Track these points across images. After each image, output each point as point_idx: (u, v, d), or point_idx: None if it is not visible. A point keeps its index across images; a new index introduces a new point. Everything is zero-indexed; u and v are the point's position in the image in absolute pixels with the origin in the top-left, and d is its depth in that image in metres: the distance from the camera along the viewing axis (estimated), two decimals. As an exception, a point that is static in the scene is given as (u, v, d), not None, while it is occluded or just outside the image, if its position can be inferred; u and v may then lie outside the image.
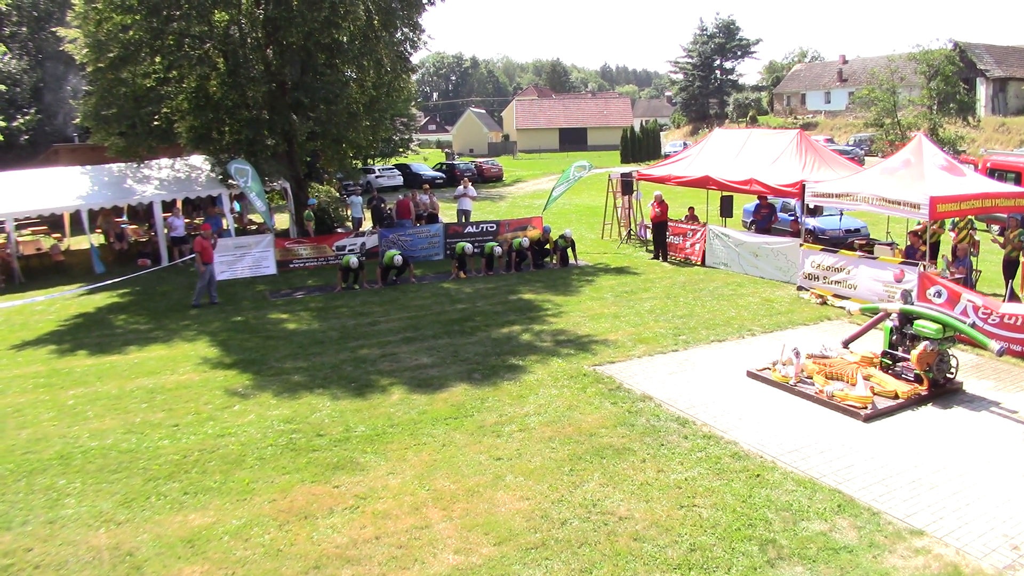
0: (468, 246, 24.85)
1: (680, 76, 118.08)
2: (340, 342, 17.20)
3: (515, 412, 12.93)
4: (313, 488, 10.35)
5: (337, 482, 10.52)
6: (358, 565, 8.56)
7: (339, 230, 30.51)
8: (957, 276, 18.10)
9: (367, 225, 31.90)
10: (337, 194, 36.23)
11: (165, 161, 29.53)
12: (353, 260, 22.57)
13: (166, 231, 27.25)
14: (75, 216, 27.97)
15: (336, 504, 9.91)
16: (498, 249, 25.10)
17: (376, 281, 23.31)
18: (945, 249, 21.43)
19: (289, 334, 17.99)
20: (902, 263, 19.13)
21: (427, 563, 8.57)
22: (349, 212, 33.33)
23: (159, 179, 28.41)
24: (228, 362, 15.99)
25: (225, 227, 28.16)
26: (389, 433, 12.13)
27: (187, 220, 28.29)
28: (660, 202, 26.10)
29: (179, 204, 29.92)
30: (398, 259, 23.27)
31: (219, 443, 11.91)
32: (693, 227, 25.94)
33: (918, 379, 13.80)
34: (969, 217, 19.76)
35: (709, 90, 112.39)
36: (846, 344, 15.71)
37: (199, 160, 29.44)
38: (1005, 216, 20.91)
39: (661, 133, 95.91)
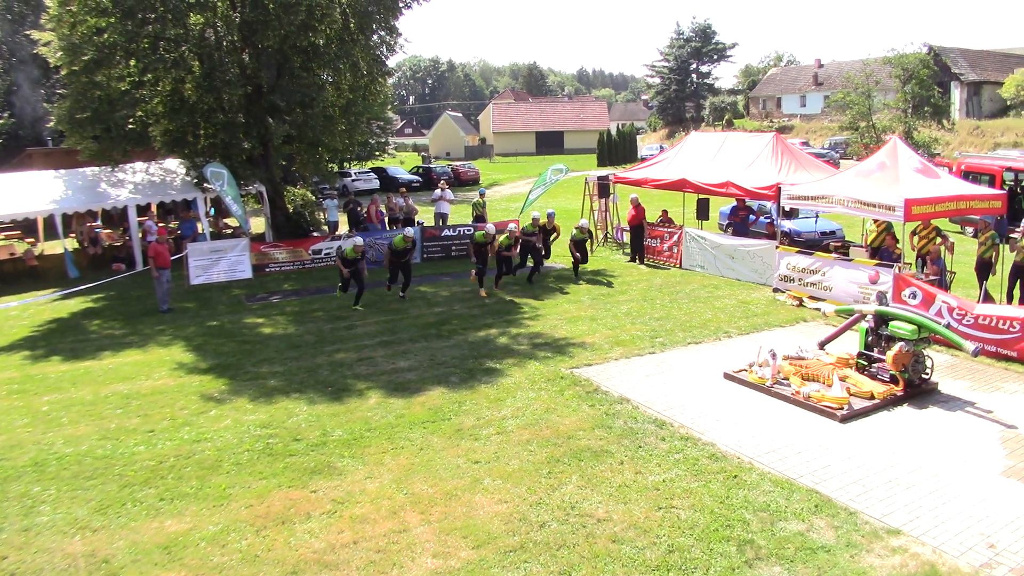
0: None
1: (656, 80, 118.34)
2: (316, 346, 17.15)
3: (492, 415, 12.94)
4: (290, 493, 10.31)
5: (314, 487, 10.48)
6: (336, 570, 8.54)
7: (315, 234, 30.38)
8: (932, 278, 18.23)
9: (343, 229, 31.78)
10: (313, 198, 36.08)
11: (140, 165, 29.33)
12: (359, 240, 21.15)
13: (141, 235, 27.07)
14: (49, 220, 27.73)
15: (313, 509, 9.87)
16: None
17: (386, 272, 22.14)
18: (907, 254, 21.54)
19: (265, 338, 17.91)
20: (877, 265, 19.25)
21: (406, 567, 8.56)
22: (325, 216, 33.22)
23: (134, 183, 28.21)
24: (204, 367, 15.91)
25: (200, 231, 28.00)
26: (366, 437, 12.10)
27: (160, 224, 28.07)
28: (636, 205, 26.17)
29: (154, 208, 29.72)
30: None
31: (195, 448, 11.85)
32: (670, 230, 26.01)
33: (894, 380, 13.90)
34: (934, 225, 19.90)
35: (685, 94, 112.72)
36: (822, 345, 15.81)
37: (174, 164, 29.27)
38: (978, 218, 21.09)
39: (638, 136, 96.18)
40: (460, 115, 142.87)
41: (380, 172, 59.44)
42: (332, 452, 11.59)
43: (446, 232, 28.23)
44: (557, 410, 13.14)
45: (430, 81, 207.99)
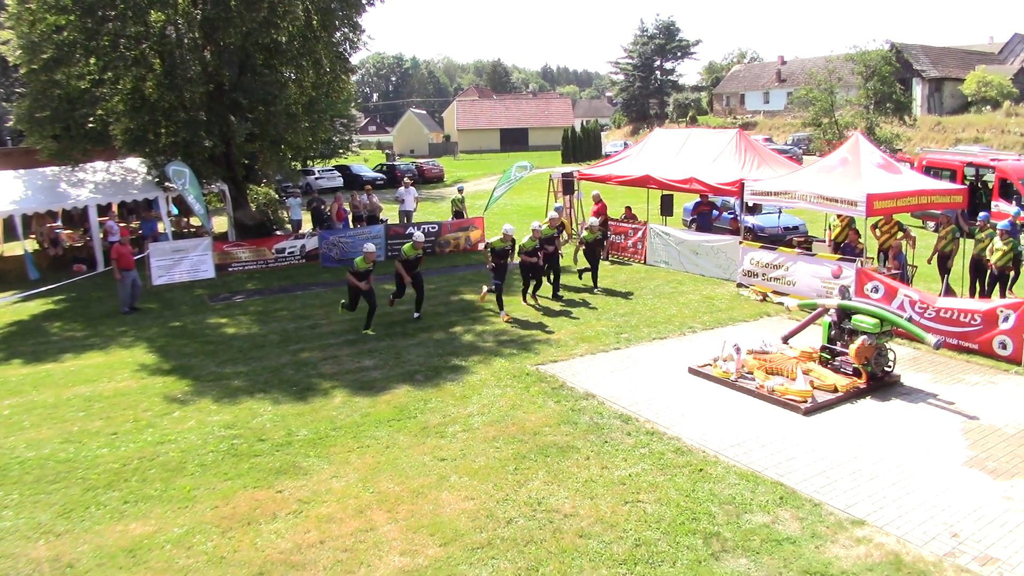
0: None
1: (621, 77, 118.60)
2: (281, 345, 17.06)
3: (458, 412, 12.94)
4: (256, 494, 10.26)
5: (280, 487, 10.44)
6: (303, 570, 8.51)
7: (278, 232, 30.23)
8: (894, 272, 18.42)
9: (307, 227, 31.62)
10: (276, 196, 35.89)
11: (100, 164, 28.98)
12: (370, 247, 18.35)
13: (102, 236, 26.79)
14: (8, 221, 27.33)
15: (279, 509, 9.83)
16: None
17: (398, 282, 19.32)
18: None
19: (229, 338, 17.80)
20: (840, 259, 19.42)
21: (373, 566, 8.54)
22: (288, 214, 33.04)
23: (94, 182, 27.88)
24: (167, 368, 15.78)
25: (162, 230, 27.76)
26: (332, 436, 12.06)
27: (121, 224, 27.78)
28: (598, 201, 26.24)
29: (115, 208, 29.41)
30: (419, 237, 19.73)
31: (159, 450, 11.75)
32: (634, 226, 26.10)
33: (857, 373, 14.05)
34: (896, 219, 20.10)
35: (649, 90, 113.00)
36: (786, 340, 15.95)
37: (135, 163, 28.95)
38: (940, 213, 21.34)
39: (602, 133, 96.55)
40: (424, 112, 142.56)
41: (344, 170, 59.19)
42: (297, 452, 11.54)
43: (411, 230, 28.11)
44: (523, 407, 13.17)
45: (394, 78, 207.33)
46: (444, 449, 11.53)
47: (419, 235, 20.29)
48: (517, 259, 20.72)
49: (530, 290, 20.46)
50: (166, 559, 8.81)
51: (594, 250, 22.20)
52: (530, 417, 12.70)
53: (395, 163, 68.78)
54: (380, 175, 59.96)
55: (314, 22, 26.98)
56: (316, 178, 54.41)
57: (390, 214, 34.55)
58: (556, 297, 21.00)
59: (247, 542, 9.09)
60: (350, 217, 30.14)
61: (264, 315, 19.79)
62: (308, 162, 49.75)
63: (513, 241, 19.68)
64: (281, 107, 26.84)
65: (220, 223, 32.70)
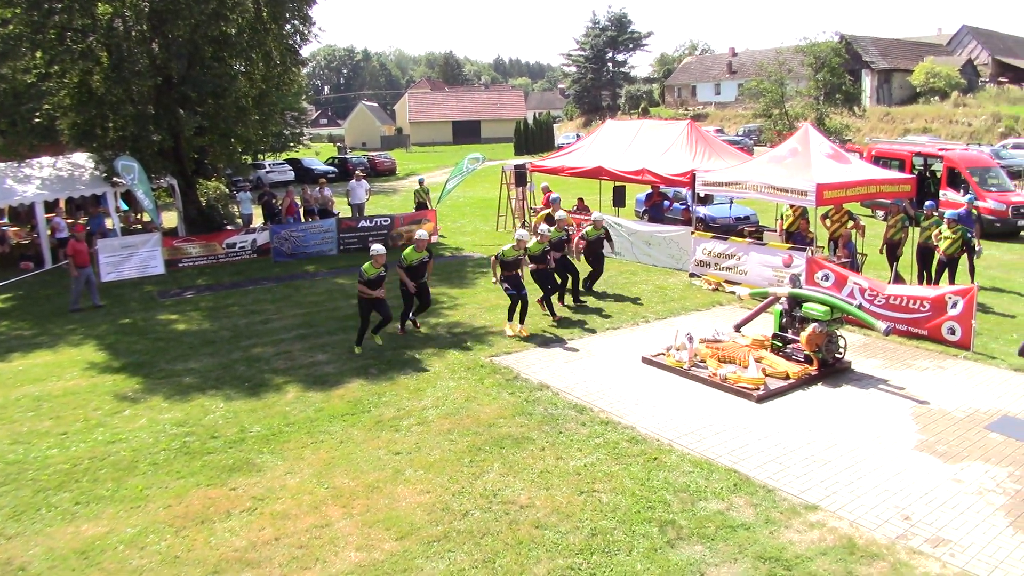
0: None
1: (573, 69, 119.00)
2: (232, 341, 16.90)
3: (413, 406, 12.92)
4: (209, 492, 10.17)
5: (233, 484, 10.35)
6: (258, 568, 8.45)
7: (229, 227, 29.94)
8: (844, 260, 18.63)
9: (258, 222, 31.36)
10: (227, 191, 35.55)
11: (47, 160, 28.45)
12: (379, 248, 16.23)
13: (49, 232, 26.36)
14: (-48, 219, 26.89)
15: (233, 507, 9.75)
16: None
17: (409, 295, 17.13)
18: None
19: (179, 335, 17.59)
20: (790, 248, 19.61)
21: (329, 562, 8.50)
22: (239, 209, 32.74)
23: (41, 178, 27.38)
24: (117, 366, 15.56)
25: (110, 227, 27.39)
26: (285, 432, 11.98)
27: (68, 220, 27.37)
28: (547, 191, 26.33)
29: (62, 204, 28.97)
30: (422, 234, 17.47)
31: (110, 450, 11.59)
32: (587, 217, 26.13)
33: (808, 360, 14.21)
34: (846, 208, 20.32)
35: (601, 82, 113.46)
36: (738, 328, 16.10)
37: (83, 158, 28.49)
38: (889, 202, 21.61)
39: (554, 125, 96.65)
40: (376, 105, 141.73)
41: (295, 163, 58.74)
42: (251, 448, 11.45)
43: (363, 223, 28.00)
44: (477, 399, 13.18)
45: (345, 71, 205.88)
46: (399, 443, 11.50)
47: (522, 233, 17.45)
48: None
49: (555, 297, 18.50)
50: (119, 560, 8.70)
51: (595, 249, 20.13)
52: (485, 409, 12.70)
53: (347, 156, 68.41)
54: (332, 168, 59.54)
55: (264, 14, 26.75)
56: (267, 172, 53.85)
57: (341, 208, 34.32)
58: (578, 302, 19.26)
59: (201, 541, 9.01)
60: (301, 211, 29.89)
61: (215, 311, 19.59)
62: (259, 156, 49.43)
63: (526, 249, 17.54)
64: (231, 100, 26.57)
65: (169, 218, 32.32)
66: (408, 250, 16.75)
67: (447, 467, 10.67)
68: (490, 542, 8.80)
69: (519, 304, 16.79)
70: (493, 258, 17.09)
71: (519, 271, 17.12)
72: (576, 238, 20.23)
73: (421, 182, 32.81)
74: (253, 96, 28.35)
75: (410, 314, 17.33)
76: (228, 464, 10.97)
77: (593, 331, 17.02)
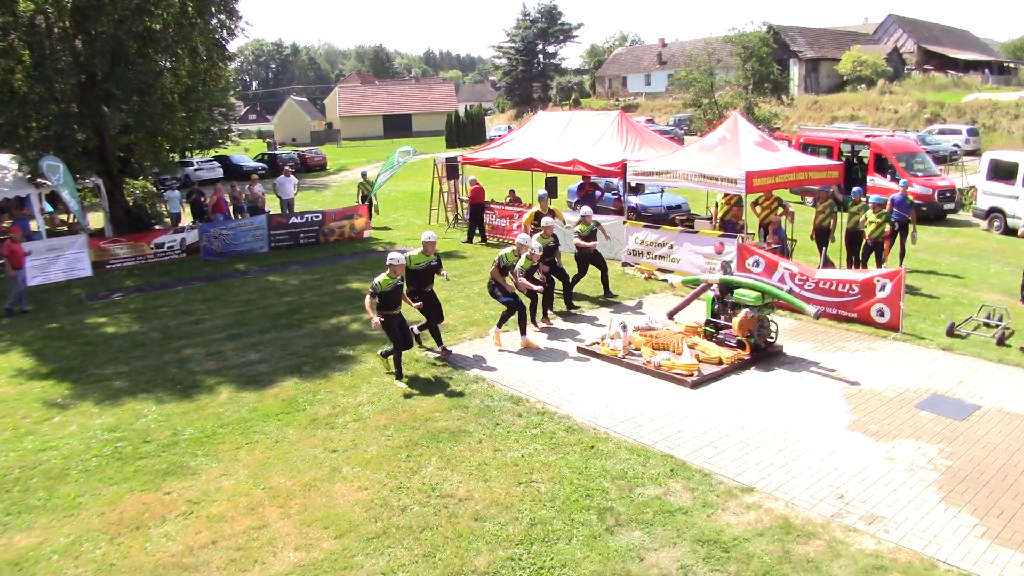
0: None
1: (504, 61, 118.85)
2: (163, 343, 16.61)
3: (348, 403, 12.85)
4: (143, 497, 10.00)
5: (168, 489, 10.19)
6: (196, 572, 8.34)
7: (157, 227, 29.46)
8: (774, 246, 18.89)
9: (186, 220, 30.90)
10: (154, 189, 34.95)
11: (-33, 162, 27.84)
12: (397, 257, 13.91)
13: (-27, 236, 25.72)
14: None
15: (168, 511, 9.60)
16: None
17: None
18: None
19: (108, 338, 17.26)
20: (721, 236, 19.83)
21: (267, 563, 8.42)
22: (167, 208, 32.23)
23: (-39, 182, 26.76)
24: (45, 372, 15.21)
25: (35, 229, 26.80)
26: (219, 434, 11.83)
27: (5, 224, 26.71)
28: (473, 183, 26.38)
29: (-17, 207, 28.26)
30: (430, 235, 15.00)
31: (40, 458, 11.33)
32: (519, 209, 26.20)
33: (740, 345, 14.40)
34: (775, 195, 20.60)
35: (532, 74, 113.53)
36: (671, 315, 16.26)
37: (5, 159, 27.84)
38: (817, 188, 21.96)
39: (486, 117, 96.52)
40: (305, 100, 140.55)
41: (224, 160, 57.92)
42: (184, 452, 11.29)
43: (294, 219, 27.74)
44: (413, 393, 13.15)
45: (274, 65, 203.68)
46: (335, 440, 11.43)
47: (430, 234, 15.03)
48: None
49: (539, 311, 16.97)
50: (54, 570, 8.53)
51: (585, 249, 18.63)
52: (421, 403, 12.68)
53: (277, 152, 67.71)
54: (262, 165, 58.83)
55: (189, 8, 26.33)
56: (195, 169, 52.99)
57: (271, 204, 33.96)
58: (571, 307, 18.18)
59: (137, 547, 8.86)
60: (231, 209, 29.53)
61: (144, 312, 19.25)
62: (186, 153, 48.57)
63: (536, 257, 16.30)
64: (156, 97, 26.10)
65: (96, 219, 31.70)
66: (416, 252, 14.71)
67: (384, 463, 10.62)
68: (430, 536, 8.79)
69: (517, 310, 15.49)
70: (494, 267, 15.42)
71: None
72: (575, 240, 18.67)
73: (364, 175, 32.68)
74: (179, 92, 27.90)
75: (417, 328, 15.43)
76: (162, 468, 10.80)
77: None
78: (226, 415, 12.53)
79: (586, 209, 19.08)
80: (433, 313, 15.00)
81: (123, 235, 26.27)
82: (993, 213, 28.64)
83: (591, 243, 18.23)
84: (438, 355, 14.92)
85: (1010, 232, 26.69)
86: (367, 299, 13.51)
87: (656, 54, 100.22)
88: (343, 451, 11.06)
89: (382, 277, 13.59)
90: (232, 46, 32.06)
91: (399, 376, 13.73)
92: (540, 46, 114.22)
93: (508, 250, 15.60)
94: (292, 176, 32.75)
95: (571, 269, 18.80)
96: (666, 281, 19.78)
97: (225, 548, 8.74)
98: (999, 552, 8.37)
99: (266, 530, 9.07)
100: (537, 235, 17.14)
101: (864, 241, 19.53)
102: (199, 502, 9.80)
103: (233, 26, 29.19)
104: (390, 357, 14.19)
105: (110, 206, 28.37)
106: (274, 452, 11.14)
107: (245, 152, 68.89)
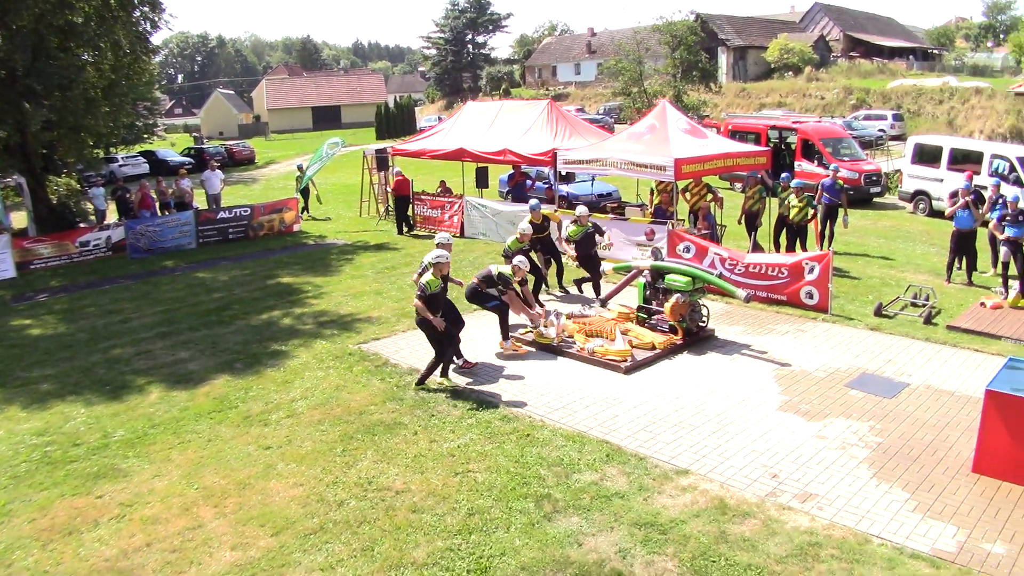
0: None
1: (433, 51, 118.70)
2: (90, 344, 16.29)
3: (281, 398, 12.73)
4: (75, 501, 9.81)
5: (100, 492, 10.01)
6: None
7: (82, 225, 28.89)
8: (704, 232, 19.11)
9: (112, 218, 30.34)
10: (78, 187, 34.27)
11: None
12: (442, 253, 13.29)
13: None
14: None
15: (101, 515, 9.43)
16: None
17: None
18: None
19: (34, 340, 16.89)
20: (652, 222, 20.01)
21: (204, 564, 8.32)
22: (92, 205, 31.60)
23: None
24: (-32, 376, 14.87)
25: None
26: (150, 434, 11.64)
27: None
28: (397, 174, 26.33)
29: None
30: (443, 247, 14.01)
31: (-35, 464, 11.09)
32: (450, 199, 26.18)
33: (673, 330, 14.57)
34: (705, 182, 20.82)
35: (462, 64, 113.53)
36: (603, 302, 16.36)
37: (-78, 159, 27.20)
38: (746, 174, 22.26)
39: (416, 108, 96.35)
40: (232, 93, 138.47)
41: (149, 156, 56.94)
42: (115, 454, 11.09)
43: (222, 214, 27.38)
44: (347, 387, 13.08)
45: (199, 58, 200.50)
46: (269, 437, 11.33)
47: (525, 226, 15.21)
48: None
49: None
50: (-19, 578, 8.37)
51: (586, 248, 17.74)
52: (355, 397, 12.61)
53: (204, 146, 66.73)
54: (188, 159, 57.97)
55: (111, 1, 25.84)
56: (120, 165, 52.00)
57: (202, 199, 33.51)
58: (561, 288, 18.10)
59: (70, 553, 8.70)
60: (157, 205, 29.04)
61: (71, 313, 18.86)
62: (111, 149, 47.77)
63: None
64: (79, 92, 25.62)
65: (19, 218, 30.98)
66: (430, 277, 12.88)
67: (319, 458, 10.56)
68: (368, 530, 8.76)
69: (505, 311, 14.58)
70: (478, 280, 14.45)
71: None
72: (561, 241, 18.32)
73: (301, 168, 32.33)
74: (102, 87, 27.41)
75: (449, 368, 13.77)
76: (93, 471, 10.60)
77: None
78: (157, 415, 12.34)
79: (581, 209, 18.10)
80: (455, 326, 13.67)
81: (47, 234, 25.68)
82: (918, 196, 29.38)
83: (573, 253, 17.46)
84: (458, 367, 13.82)
85: (935, 214, 27.31)
86: (419, 303, 12.60)
87: (586, 43, 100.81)
88: (277, 448, 10.97)
89: (429, 277, 12.74)
90: (156, 39, 31.65)
91: (421, 382, 12.99)
92: (470, 36, 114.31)
93: (506, 269, 14.32)
94: (218, 170, 32.30)
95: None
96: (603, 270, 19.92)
97: (160, 550, 8.62)
98: (931, 525, 8.60)
99: (201, 530, 8.96)
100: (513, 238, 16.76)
101: (789, 225, 19.87)
102: (132, 504, 9.64)
103: (156, 18, 28.74)
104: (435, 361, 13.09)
105: (33, 205, 27.74)
106: (207, 451, 11.00)
107: (171, 147, 67.69)
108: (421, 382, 13.00)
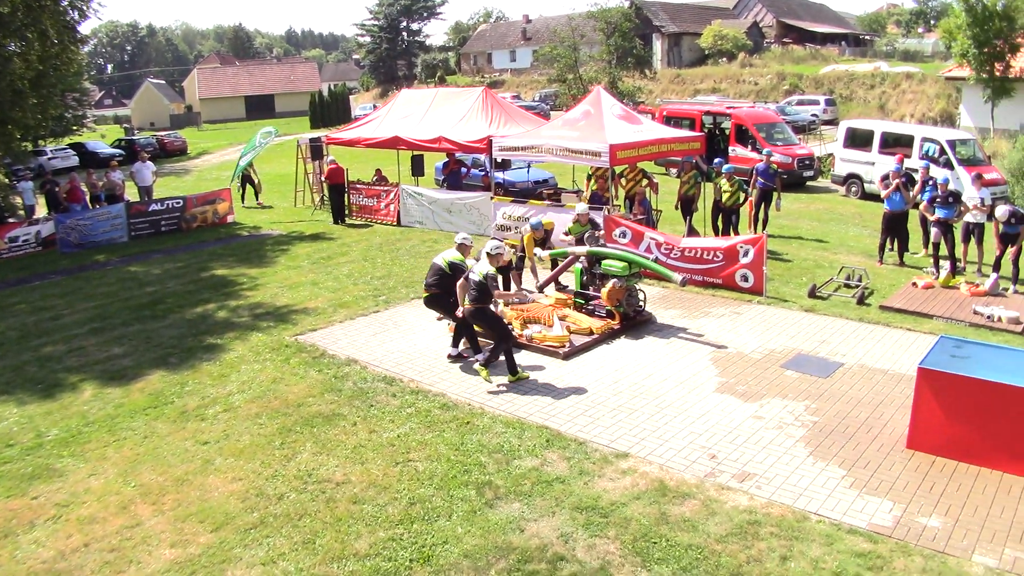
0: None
1: (367, 39, 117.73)
2: (20, 342, 15.94)
3: (218, 393, 12.60)
4: (9, 503, 9.62)
5: (35, 493, 9.83)
6: (68, 576, 8.11)
7: (10, 220, 28.29)
8: (639, 217, 19.26)
9: (41, 212, 29.75)
10: (6, 181, 33.53)
11: None
12: (500, 245, 13.33)
13: None
14: None
15: (36, 516, 9.26)
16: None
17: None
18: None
19: (-37, 339, 16.56)
20: (589, 208, 20.09)
21: (143, 562, 8.23)
22: (20, 200, 30.96)
23: None
24: None
25: None
26: (85, 433, 11.45)
27: None
28: (331, 164, 26.22)
29: None
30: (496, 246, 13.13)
31: None
32: (385, 188, 26.08)
33: (610, 315, 14.68)
34: (640, 167, 20.96)
35: (397, 52, 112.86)
36: (541, 288, 16.42)
37: None
38: (681, 159, 22.46)
39: (351, 96, 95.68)
40: (164, 82, 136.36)
41: (79, 148, 55.88)
42: (49, 453, 10.90)
43: (154, 207, 26.96)
44: (284, 379, 12.98)
45: (129, 48, 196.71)
46: (206, 432, 11.21)
47: (496, 245, 13.15)
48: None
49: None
50: (-89, 585, 8.20)
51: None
52: (292, 389, 12.53)
53: (134, 137, 65.68)
54: (119, 151, 56.93)
55: (38, -11, 25.30)
56: (49, 158, 50.91)
57: (133, 191, 32.97)
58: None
59: (6, 556, 8.54)
60: (88, 198, 28.53)
61: (0, 311, 18.49)
62: (39, 142, 46.82)
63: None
64: (5, 83, 24.96)
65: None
66: (455, 258, 13.22)
67: (258, 452, 10.48)
68: (308, 523, 8.73)
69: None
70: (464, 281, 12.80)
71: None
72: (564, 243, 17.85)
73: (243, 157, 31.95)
74: (30, 78, 26.70)
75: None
76: (27, 472, 10.41)
77: (398, 302, 17.03)
78: (91, 413, 12.15)
79: (581, 207, 17.61)
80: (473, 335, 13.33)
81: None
82: (851, 179, 29.93)
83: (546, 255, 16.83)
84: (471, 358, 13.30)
85: (868, 196, 27.81)
86: (495, 292, 12.51)
87: (521, 30, 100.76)
88: (215, 442, 10.86)
89: (491, 268, 12.45)
90: (85, 28, 30.99)
91: (513, 371, 12.52)
92: (404, 23, 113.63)
93: (488, 268, 12.59)
94: (149, 162, 31.81)
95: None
96: (535, 255, 19.93)
97: (98, 550, 8.51)
98: (867, 501, 8.81)
99: (140, 528, 8.86)
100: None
101: (722, 210, 20.13)
102: (68, 505, 9.49)
103: (85, 7, 28.11)
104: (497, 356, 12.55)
105: None
106: (143, 448, 10.86)
107: (101, 138, 66.61)
108: (513, 372, 12.50)
